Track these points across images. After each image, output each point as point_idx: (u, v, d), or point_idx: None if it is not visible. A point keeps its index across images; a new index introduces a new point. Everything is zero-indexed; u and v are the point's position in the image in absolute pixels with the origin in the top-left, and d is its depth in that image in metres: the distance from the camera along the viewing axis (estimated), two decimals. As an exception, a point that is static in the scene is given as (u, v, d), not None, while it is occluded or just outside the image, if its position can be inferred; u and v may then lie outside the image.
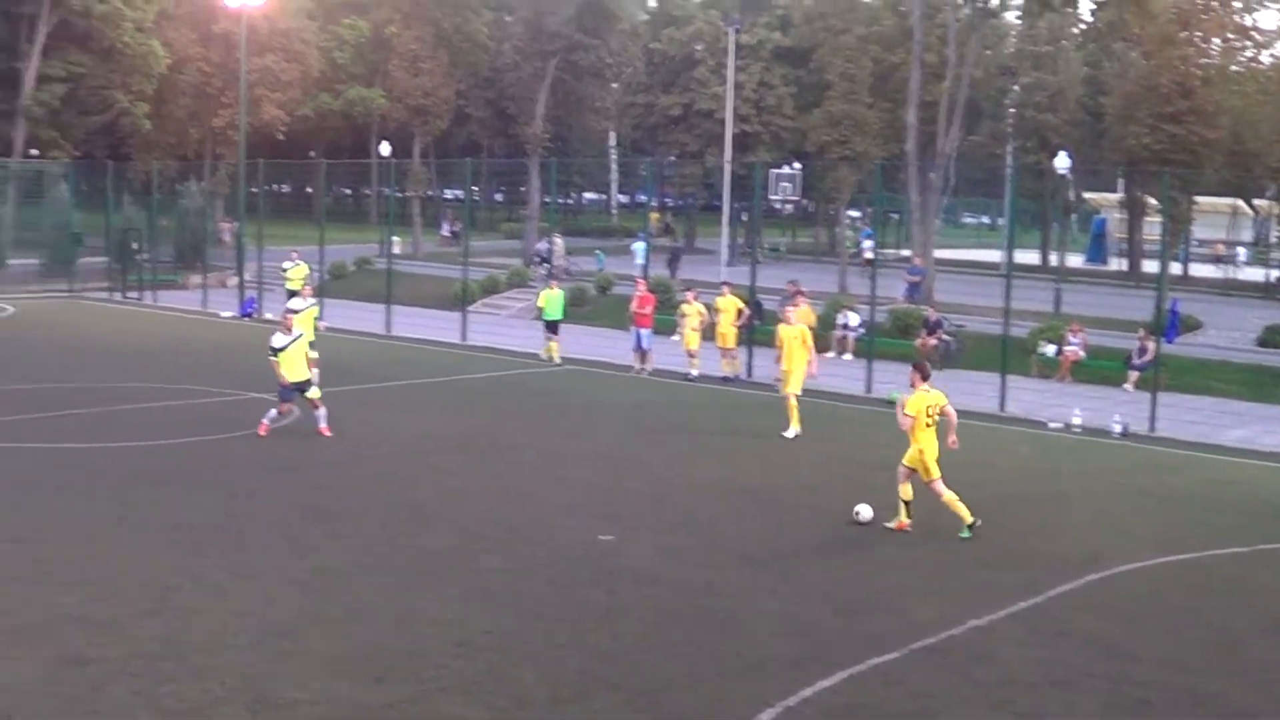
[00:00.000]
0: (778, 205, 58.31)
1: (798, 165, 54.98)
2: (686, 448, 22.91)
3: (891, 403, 27.81)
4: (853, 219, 66.10)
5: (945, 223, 69.32)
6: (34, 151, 61.23)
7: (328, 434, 21.91)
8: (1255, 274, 66.41)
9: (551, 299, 33.96)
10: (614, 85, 79.15)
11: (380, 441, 22.39)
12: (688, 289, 34.42)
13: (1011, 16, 69.30)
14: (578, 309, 41.61)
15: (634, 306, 32.50)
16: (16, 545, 15.24)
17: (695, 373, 31.08)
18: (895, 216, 76.47)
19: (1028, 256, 63.72)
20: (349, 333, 36.66)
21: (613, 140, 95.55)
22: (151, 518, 16.72)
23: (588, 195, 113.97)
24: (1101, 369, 33.65)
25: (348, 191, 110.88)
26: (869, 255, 54.87)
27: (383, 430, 23.35)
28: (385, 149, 67.31)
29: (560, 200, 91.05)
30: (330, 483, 19.11)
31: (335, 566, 14.83)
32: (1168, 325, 35.84)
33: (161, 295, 47.27)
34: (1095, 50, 69.24)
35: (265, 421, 21.93)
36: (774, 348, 25.15)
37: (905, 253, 59.04)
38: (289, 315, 23.20)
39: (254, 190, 53.73)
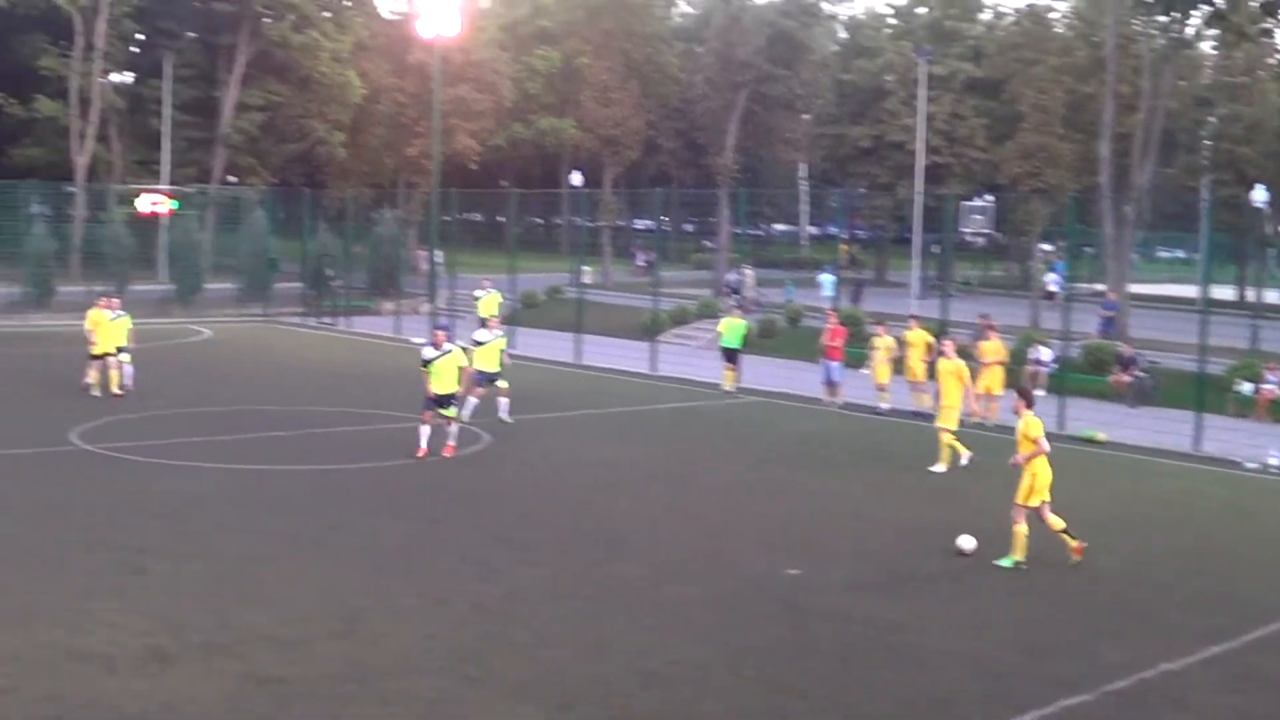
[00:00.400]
0: (969, 238, 57.62)
1: (989, 197, 54.35)
2: (875, 482, 22.63)
3: (1088, 440, 27.35)
4: (1045, 252, 64.94)
5: (1140, 257, 67.73)
6: (232, 178, 63.34)
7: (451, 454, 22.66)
8: None
9: (732, 327, 33.76)
10: (804, 116, 79.12)
11: (569, 470, 22.58)
12: (878, 322, 34.07)
13: (1206, 47, 67.58)
14: (767, 340, 41.41)
15: (825, 339, 32.26)
16: (212, 563, 15.62)
17: (885, 406, 30.69)
18: (1089, 250, 74.96)
19: (1224, 292, 61.74)
20: (540, 361, 36.99)
21: (803, 171, 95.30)
22: (343, 540, 17.03)
23: (778, 226, 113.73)
24: (1302, 408, 32.50)
25: (539, 221, 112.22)
26: (1052, 288, 53.98)
27: (572, 459, 23.56)
28: (576, 179, 68.11)
29: (750, 231, 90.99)
30: (520, 509, 19.29)
31: (524, 593, 14.92)
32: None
33: (355, 321, 48.39)
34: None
35: (450, 442, 22.76)
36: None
37: (1099, 287, 57.81)
38: (438, 332, 23.98)
39: (446, 219, 54.76)
